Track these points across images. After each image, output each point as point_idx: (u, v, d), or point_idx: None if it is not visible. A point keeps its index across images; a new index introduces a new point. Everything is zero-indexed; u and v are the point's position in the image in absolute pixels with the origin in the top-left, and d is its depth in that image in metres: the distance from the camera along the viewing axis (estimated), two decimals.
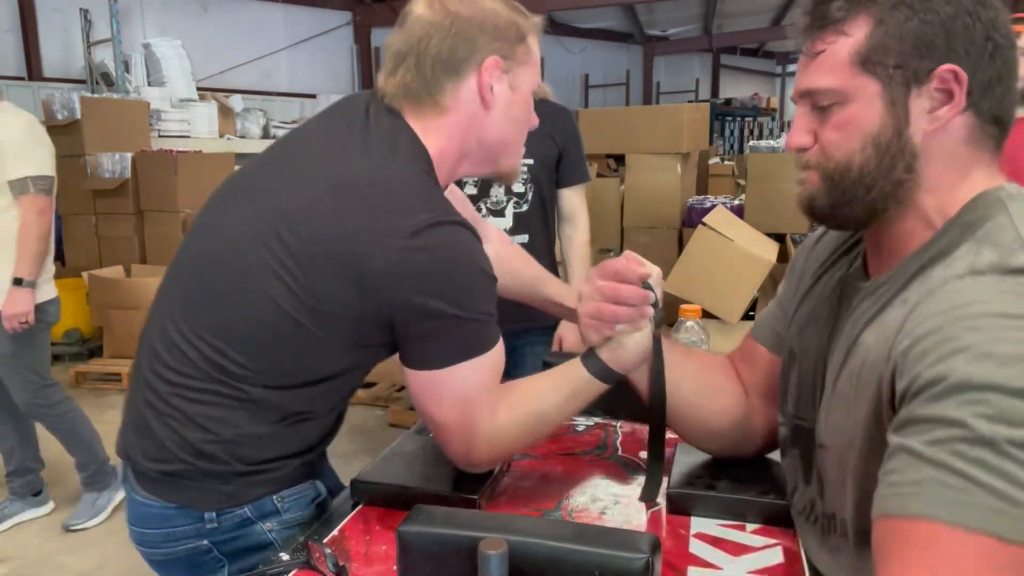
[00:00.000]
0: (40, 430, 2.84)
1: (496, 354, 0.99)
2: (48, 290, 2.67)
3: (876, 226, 0.80)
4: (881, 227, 0.80)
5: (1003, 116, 0.75)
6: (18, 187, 2.56)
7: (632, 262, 0.99)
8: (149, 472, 1.03)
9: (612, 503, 1.05)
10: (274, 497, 1.05)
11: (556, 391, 1.03)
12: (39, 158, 2.61)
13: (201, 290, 1.01)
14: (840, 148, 0.77)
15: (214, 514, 1.02)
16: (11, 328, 2.54)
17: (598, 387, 1.02)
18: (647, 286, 0.98)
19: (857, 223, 0.82)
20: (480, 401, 0.98)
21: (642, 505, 1.04)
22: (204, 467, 1.00)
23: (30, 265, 2.57)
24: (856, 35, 0.74)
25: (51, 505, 2.96)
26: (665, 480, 1.07)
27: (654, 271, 1.01)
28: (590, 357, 1.02)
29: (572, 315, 1.49)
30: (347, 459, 1.32)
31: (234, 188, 1.08)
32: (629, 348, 0.99)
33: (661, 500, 1.04)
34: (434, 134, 1.01)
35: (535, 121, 1.11)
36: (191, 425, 0.99)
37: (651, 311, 0.99)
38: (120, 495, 2.96)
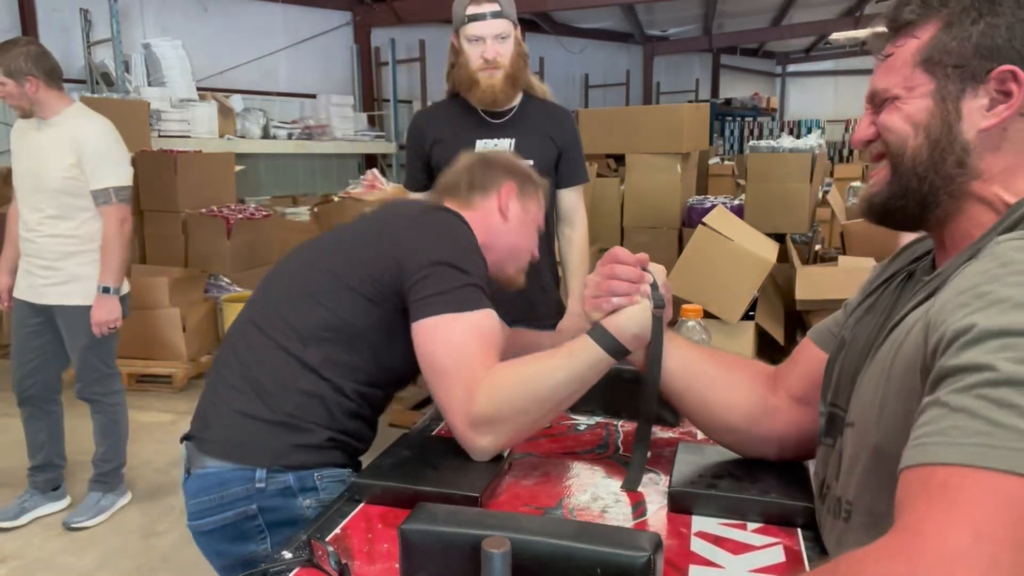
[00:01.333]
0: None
1: (490, 318, 1.16)
2: (123, 287, 2.79)
3: (939, 224, 0.81)
4: (944, 224, 0.80)
5: None
6: (101, 197, 2.66)
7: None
8: (211, 436, 1.22)
9: (613, 502, 1.05)
10: (315, 474, 1.19)
11: (556, 354, 1.10)
12: (120, 167, 2.75)
13: (274, 291, 1.33)
14: (893, 131, 0.79)
15: (264, 472, 1.17)
16: (100, 333, 2.72)
17: (595, 350, 1.06)
18: (645, 268, 1.07)
19: (912, 219, 0.82)
20: (476, 353, 1.11)
21: (644, 505, 1.04)
22: (257, 416, 1.19)
23: (116, 274, 2.70)
24: (924, 38, 0.77)
25: (68, 499, 2.99)
26: (666, 479, 1.07)
27: (656, 265, 1.10)
28: (593, 328, 1.08)
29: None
30: None
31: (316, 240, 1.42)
32: (626, 315, 1.06)
33: (663, 498, 1.04)
34: (468, 221, 1.30)
35: (535, 250, 1.45)
36: (249, 380, 1.22)
37: (647, 289, 1.06)
38: (123, 500, 2.98)
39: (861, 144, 0.84)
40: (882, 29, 0.82)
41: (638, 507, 1.04)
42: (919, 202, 0.79)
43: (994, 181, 0.76)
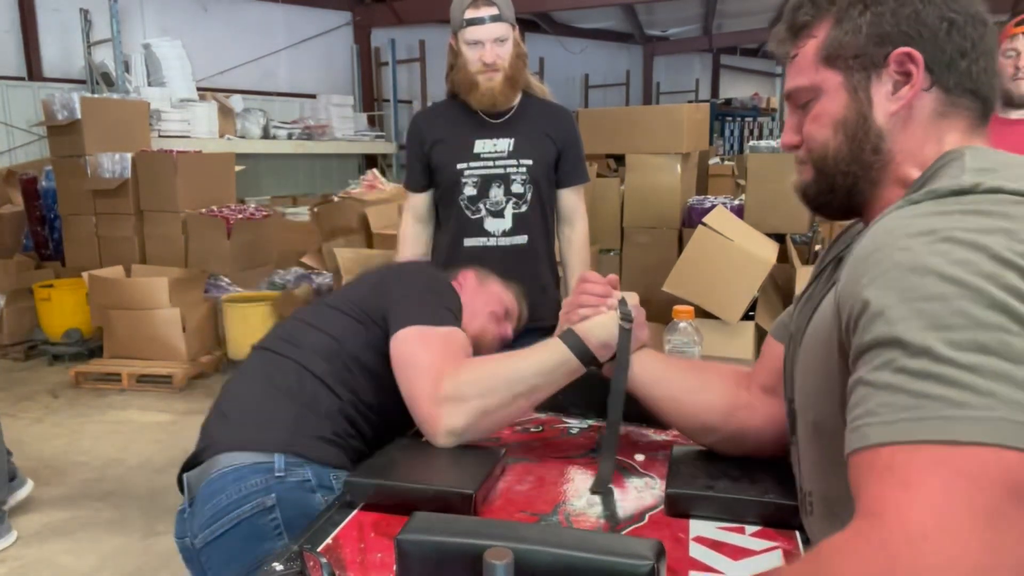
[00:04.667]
0: (30, 445, 2.79)
1: (462, 336, 1.26)
2: None
3: (864, 208, 0.85)
4: (867, 208, 0.84)
5: (978, 88, 0.78)
6: None
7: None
8: (224, 433, 1.26)
9: (609, 506, 1.04)
10: (331, 473, 1.23)
11: (524, 352, 1.18)
12: None
13: (314, 323, 1.43)
14: (816, 138, 0.84)
15: (283, 463, 1.19)
16: None
17: (563, 350, 1.14)
18: (612, 285, 1.18)
19: (842, 209, 0.87)
20: (447, 353, 1.20)
21: (640, 509, 1.04)
22: (273, 396, 1.27)
23: None
24: (820, 36, 0.82)
25: (14, 535, 2.75)
26: (662, 482, 1.07)
27: (629, 293, 1.20)
28: (564, 332, 1.17)
29: None
30: None
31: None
32: (594, 322, 1.15)
33: (659, 502, 1.04)
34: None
35: (505, 332, 1.57)
36: (259, 379, 1.32)
37: (614, 302, 1.16)
38: (7, 542, 2.72)
39: (788, 149, 0.88)
40: (782, 34, 0.86)
41: (635, 512, 1.03)
42: (845, 193, 0.83)
43: (905, 160, 0.79)
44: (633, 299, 1.18)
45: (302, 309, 1.48)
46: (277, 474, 1.19)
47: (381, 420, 1.33)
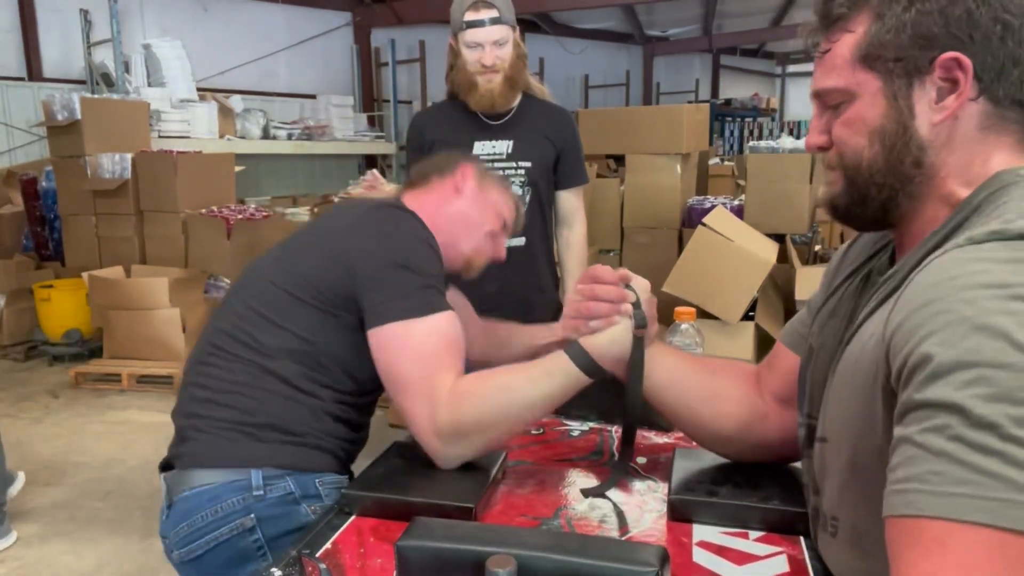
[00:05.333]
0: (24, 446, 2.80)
1: (451, 321, 1.12)
2: None
3: (900, 222, 0.79)
4: (904, 222, 0.78)
5: None
6: None
7: (621, 270, 1.07)
8: (195, 448, 1.15)
9: (611, 511, 1.04)
10: (315, 479, 1.15)
11: (529, 368, 1.07)
12: None
13: (234, 301, 1.26)
14: (848, 145, 0.77)
15: (260, 479, 1.11)
16: None
17: (572, 371, 1.04)
18: (627, 285, 1.04)
19: (874, 222, 0.81)
20: (439, 359, 1.07)
21: (643, 514, 1.03)
22: (239, 422, 1.14)
23: None
24: (858, 32, 0.74)
25: (14, 536, 2.76)
26: (665, 486, 1.06)
27: (640, 281, 1.07)
28: (571, 344, 1.06)
29: (553, 346, 1.54)
30: None
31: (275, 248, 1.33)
32: (607, 338, 1.04)
33: (662, 506, 1.03)
34: (419, 203, 1.29)
35: (499, 252, 1.41)
36: (225, 391, 1.17)
37: (628, 308, 1.03)
38: (8, 541, 2.73)
39: (814, 150, 0.81)
40: (813, 24, 0.80)
41: (637, 517, 1.03)
42: (879, 206, 0.77)
43: (950, 175, 0.73)
44: (645, 291, 1.06)
45: (255, 271, 1.26)
46: (255, 492, 1.10)
47: (371, 393, 1.24)
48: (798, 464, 1.01)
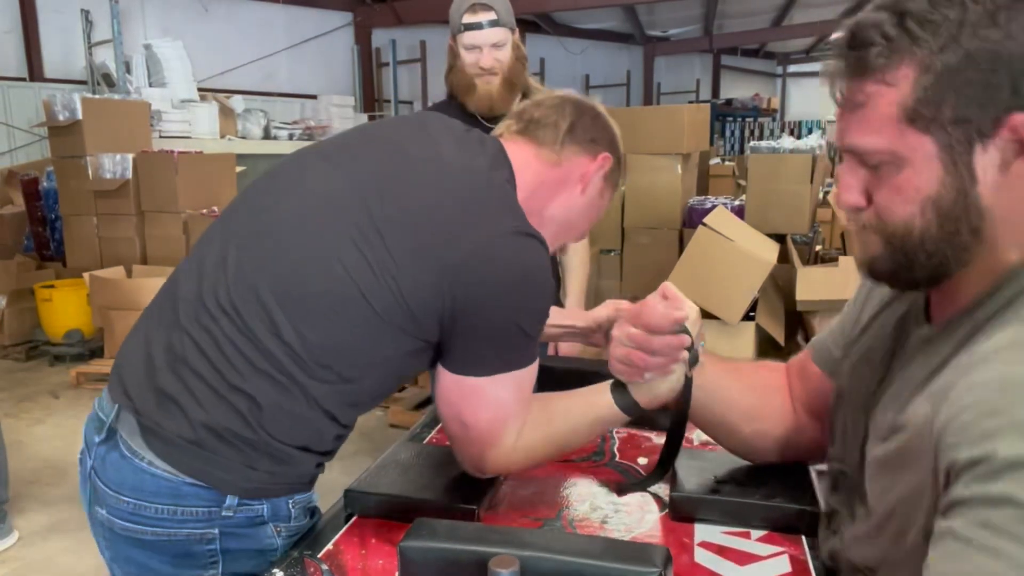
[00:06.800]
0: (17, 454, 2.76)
1: (535, 369, 1.01)
2: None
3: (944, 286, 0.72)
4: (950, 288, 0.72)
5: None
6: None
7: (670, 306, 0.96)
8: (165, 433, 0.94)
9: (613, 511, 1.04)
10: (289, 501, 1.02)
11: (583, 415, 1.03)
12: None
13: (267, 255, 0.96)
14: (897, 213, 0.67)
15: (236, 501, 0.97)
16: None
17: (623, 418, 1.03)
18: (683, 328, 0.95)
19: (921, 285, 0.74)
20: (512, 413, 0.99)
21: (643, 514, 1.03)
22: (238, 435, 0.94)
23: None
24: (901, 86, 0.64)
25: (15, 536, 2.76)
26: (666, 485, 1.06)
27: (691, 312, 0.98)
28: (619, 391, 1.01)
29: (562, 333, 1.50)
30: (347, 460, 1.31)
31: (310, 158, 1.08)
32: (659, 390, 1.00)
33: (664, 506, 1.03)
34: (532, 173, 1.06)
35: (584, 235, 1.25)
36: (238, 387, 0.93)
37: (685, 355, 0.97)
38: (9, 541, 2.73)
39: (849, 209, 0.71)
40: (838, 69, 0.68)
41: (639, 517, 1.03)
42: (928, 275, 0.70)
43: (1006, 238, 0.66)
44: (695, 321, 0.98)
45: (321, 195, 0.97)
46: (225, 513, 0.97)
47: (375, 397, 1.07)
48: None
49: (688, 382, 0.99)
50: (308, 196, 0.99)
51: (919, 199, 0.66)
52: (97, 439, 1.02)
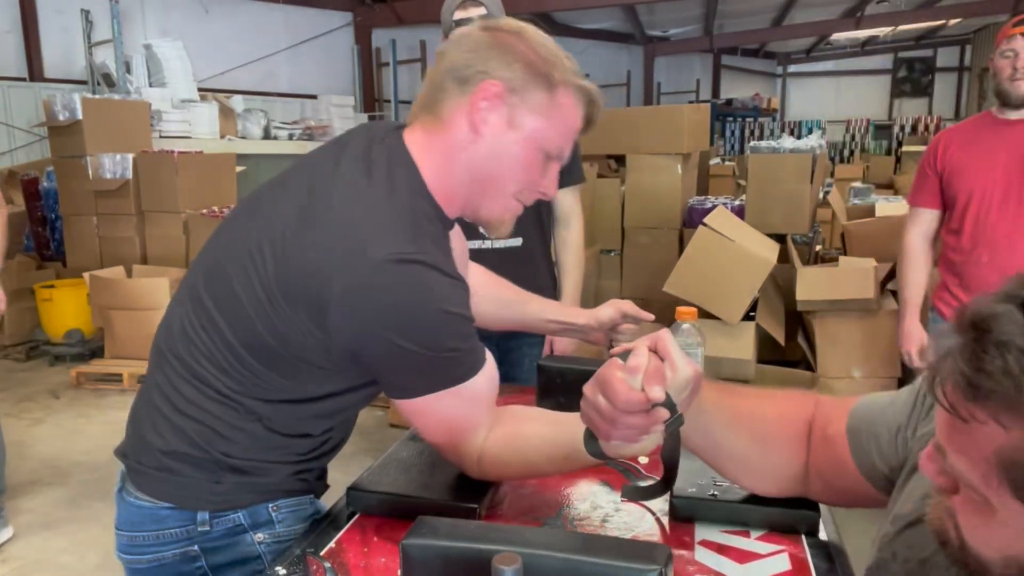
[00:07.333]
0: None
1: (480, 380, 0.97)
2: None
3: None
4: None
5: None
6: None
7: (652, 378, 0.80)
8: (142, 467, 1.03)
9: (613, 511, 1.04)
10: (270, 506, 1.04)
11: (551, 449, 0.97)
12: None
13: (209, 295, 1.00)
14: (977, 547, 0.62)
15: (207, 515, 1.01)
16: None
17: (592, 462, 0.93)
18: (668, 402, 0.82)
19: None
20: (466, 425, 0.99)
21: (644, 513, 1.04)
22: (195, 456, 1.00)
23: (2, 256, 2.68)
24: (1012, 429, 0.56)
25: (11, 531, 2.78)
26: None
27: (681, 374, 0.83)
28: (589, 437, 0.90)
29: (561, 329, 1.50)
30: (347, 460, 1.31)
31: (248, 200, 1.09)
32: (627, 451, 0.89)
33: (665, 505, 1.03)
34: (431, 153, 0.98)
35: (547, 187, 1.03)
36: (186, 414, 0.99)
37: (659, 427, 0.84)
38: (6, 535, 2.77)
39: (932, 479, 0.64)
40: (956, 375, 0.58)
41: (639, 516, 1.03)
42: None
43: None
44: (684, 383, 0.83)
45: (212, 270, 1.00)
46: (200, 528, 1.01)
47: (340, 429, 1.11)
48: None
49: (674, 438, 0.87)
50: (229, 247, 1.00)
51: (1001, 551, 0.60)
52: (117, 495, 1.10)
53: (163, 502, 1.02)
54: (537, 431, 1.00)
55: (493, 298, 1.43)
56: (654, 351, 0.83)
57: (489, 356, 1.00)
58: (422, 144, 0.99)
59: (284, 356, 0.95)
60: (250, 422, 0.99)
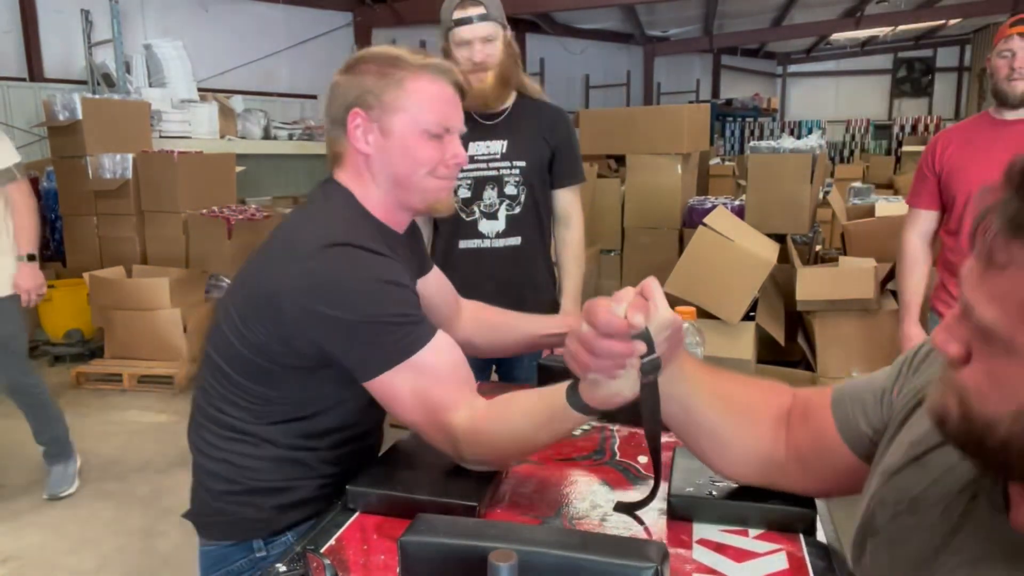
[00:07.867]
0: None
1: (435, 350, 1.05)
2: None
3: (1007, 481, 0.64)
4: (1014, 490, 0.63)
5: None
6: (6, 176, 2.86)
7: (636, 308, 0.85)
8: (202, 519, 1.20)
9: (612, 510, 1.04)
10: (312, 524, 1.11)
11: (536, 413, 1.00)
12: (10, 147, 2.93)
13: (211, 346, 1.18)
14: (986, 406, 0.58)
15: (261, 543, 1.15)
16: (33, 301, 2.99)
17: (578, 418, 0.96)
18: (641, 334, 0.85)
19: (992, 474, 0.65)
20: (439, 404, 1.04)
21: (643, 512, 1.04)
22: (233, 491, 1.14)
23: (36, 241, 2.92)
24: None
25: (77, 483, 3.02)
26: (665, 485, 1.06)
27: (660, 317, 0.87)
28: (572, 388, 0.94)
29: (557, 341, 1.53)
30: None
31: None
32: (604, 392, 0.90)
33: (663, 504, 1.03)
34: (354, 181, 1.17)
35: (454, 157, 1.16)
36: (215, 457, 1.16)
37: (635, 362, 0.87)
38: (79, 461, 3.10)
39: (944, 351, 0.62)
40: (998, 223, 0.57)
41: (638, 514, 1.03)
42: (999, 467, 0.61)
43: None
44: (662, 327, 0.87)
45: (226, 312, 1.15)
46: (259, 555, 1.16)
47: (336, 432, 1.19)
48: None
49: (650, 388, 0.89)
50: (221, 306, 1.18)
51: (1016, 402, 0.56)
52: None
53: (223, 541, 1.17)
54: (522, 399, 1.05)
55: (489, 327, 1.50)
56: (640, 295, 0.89)
57: (444, 334, 1.08)
58: (347, 179, 1.17)
59: (263, 366, 1.09)
60: (264, 448, 1.13)
